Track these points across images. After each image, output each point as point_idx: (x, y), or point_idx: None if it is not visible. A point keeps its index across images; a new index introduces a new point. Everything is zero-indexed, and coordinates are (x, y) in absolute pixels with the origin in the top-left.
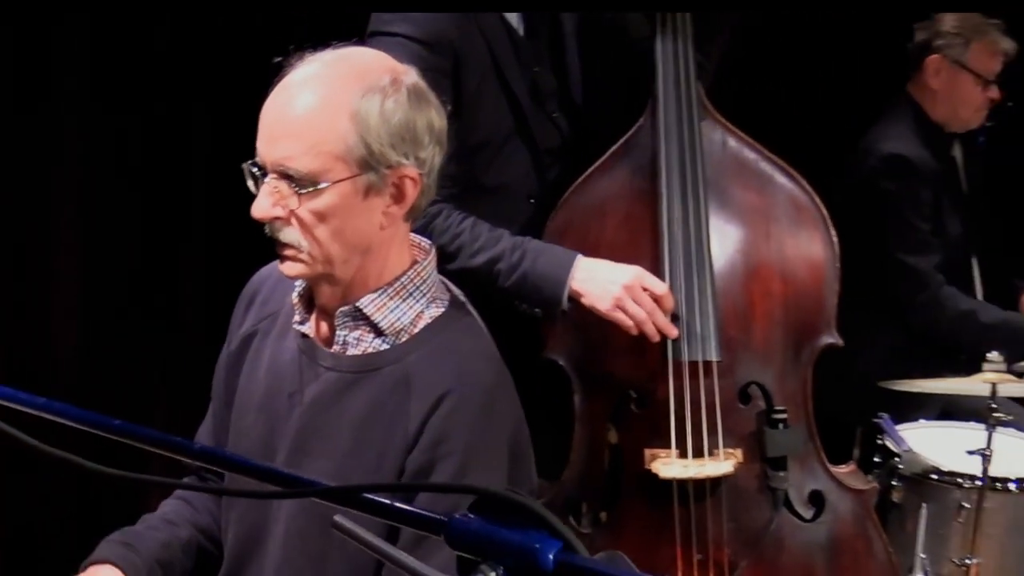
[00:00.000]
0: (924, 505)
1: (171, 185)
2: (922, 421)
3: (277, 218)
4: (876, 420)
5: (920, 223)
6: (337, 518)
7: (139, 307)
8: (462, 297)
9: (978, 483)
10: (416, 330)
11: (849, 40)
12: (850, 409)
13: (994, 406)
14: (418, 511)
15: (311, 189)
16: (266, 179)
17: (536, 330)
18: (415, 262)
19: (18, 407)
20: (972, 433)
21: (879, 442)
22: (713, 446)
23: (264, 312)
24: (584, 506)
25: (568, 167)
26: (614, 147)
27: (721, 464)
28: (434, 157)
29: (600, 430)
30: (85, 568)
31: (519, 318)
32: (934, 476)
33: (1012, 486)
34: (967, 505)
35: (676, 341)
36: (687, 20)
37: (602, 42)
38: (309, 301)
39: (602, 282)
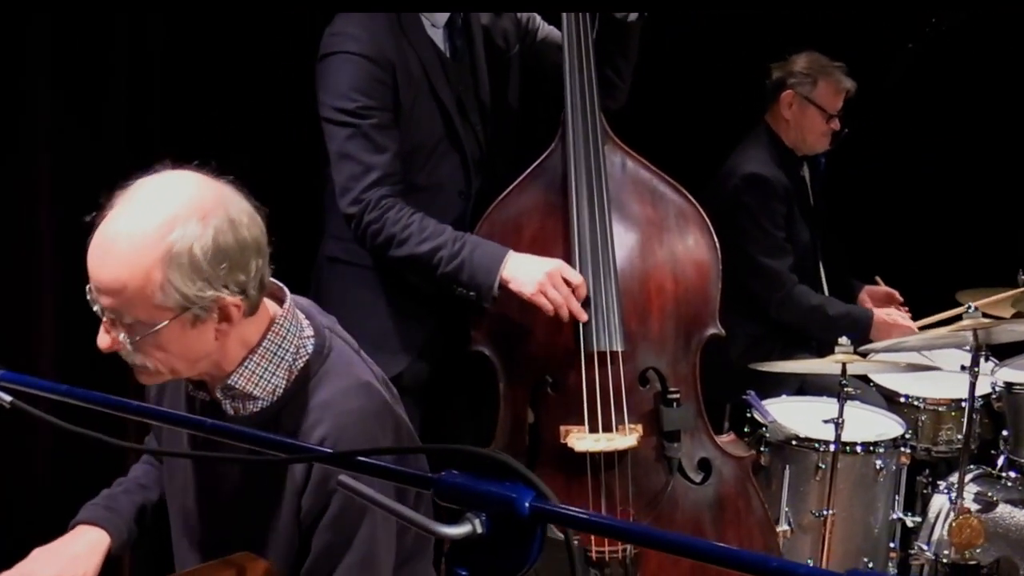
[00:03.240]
0: (787, 467)
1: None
2: (784, 396)
3: (119, 349)
4: (744, 397)
5: (775, 231)
6: (342, 477)
7: None
8: (324, 332)
9: (832, 447)
10: (289, 384)
11: (716, 77)
12: (720, 389)
13: (844, 382)
14: (410, 471)
15: (142, 333)
16: (103, 317)
17: (466, 327)
18: (272, 321)
19: (44, 394)
20: (824, 405)
21: (748, 415)
22: (619, 422)
23: None
24: None
25: (489, 172)
26: (528, 169)
27: (627, 438)
28: (257, 266)
29: (521, 410)
30: (73, 527)
31: (453, 319)
32: (795, 442)
33: (859, 449)
34: (823, 466)
35: (587, 334)
36: (591, 53)
37: (509, 70)
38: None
39: (528, 271)
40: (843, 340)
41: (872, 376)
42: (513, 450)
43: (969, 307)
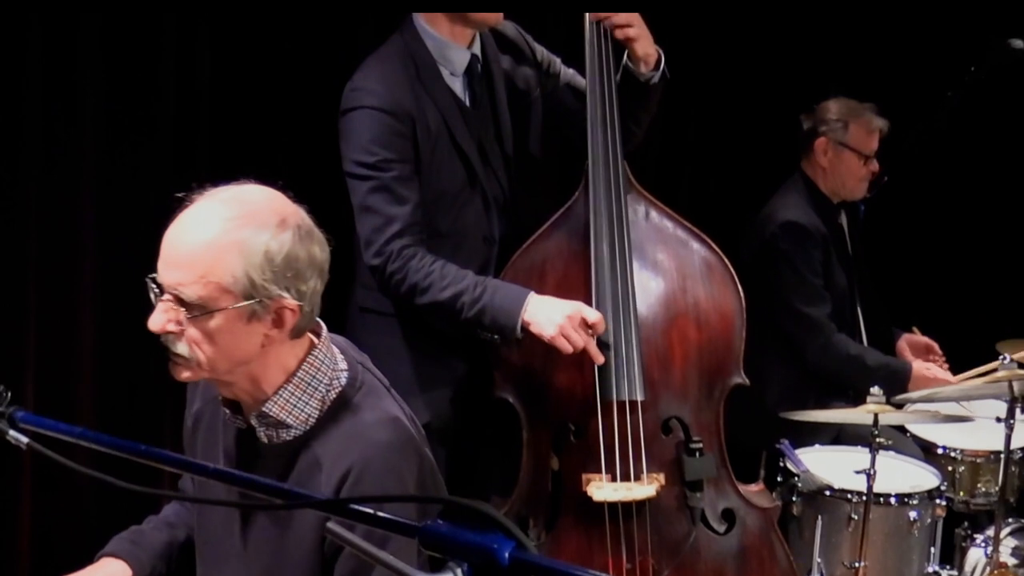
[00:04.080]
0: (819, 517)
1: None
2: (817, 446)
3: (169, 332)
4: (778, 445)
5: (813, 278)
6: (330, 524)
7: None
8: (358, 367)
9: (864, 498)
10: (321, 413)
11: (752, 126)
12: (756, 436)
13: (876, 432)
14: (396, 518)
15: (198, 314)
16: (162, 297)
17: (490, 373)
18: (309, 351)
19: (59, 435)
20: (858, 455)
21: (781, 464)
22: (639, 472)
23: (208, 395)
24: (531, 522)
25: (513, 217)
26: (553, 216)
27: (645, 488)
28: (317, 285)
29: (544, 457)
30: (98, 559)
31: (481, 365)
32: (827, 492)
33: (892, 500)
34: (855, 517)
35: (606, 383)
36: (615, 104)
37: (530, 115)
38: (232, 402)
39: (548, 313)
40: (875, 390)
41: (909, 427)
42: (536, 497)
43: (1004, 358)
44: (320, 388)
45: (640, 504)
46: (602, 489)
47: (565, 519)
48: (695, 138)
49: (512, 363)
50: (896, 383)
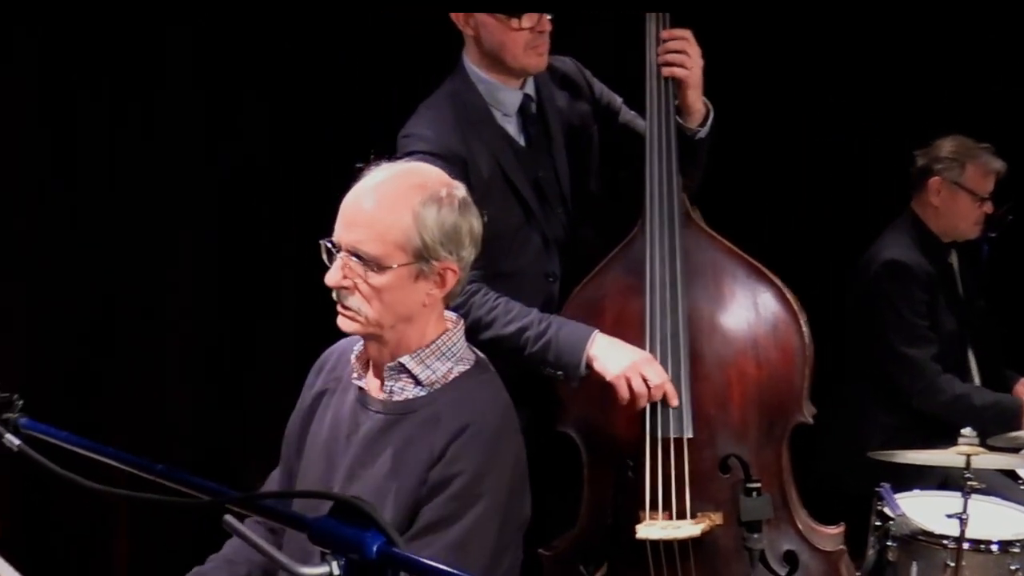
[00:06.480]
0: (915, 563)
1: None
2: (916, 490)
3: (344, 287)
4: (878, 488)
5: (916, 319)
6: (227, 518)
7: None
8: (485, 359)
9: (963, 544)
10: (447, 381)
11: (859, 165)
12: (858, 480)
13: (968, 476)
14: (296, 515)
15: (375, 269)
16: (339, 255)
17: (553, 408)
18: (446, 330)
19: (58, 442)
20: (959, 501)
21: (878, 508)
22: (694, 510)
23: (332, 376)
24: (593, 556)
25: (574, 253)
26: (612, 252)
27: (692, 527)
28: (470, 255)
29: (604, 494)
30: None
31: (541, 401)
32: (923, 537)
33: (994, 547)
34: (952, 563)
35: (654, 420)
36: (674, 141)
37: (588, 152)
38: (365, 362)
39: (615, 356)
40: (966, 431)
41: (1020, 472)
42: (595, 533)
43: None
44: (450, 360)
45: (693, 543)
46: (648, 527)
47: (625, 556)
48: (804, 178)
49: (574, 399)
50: (1007, 421)
